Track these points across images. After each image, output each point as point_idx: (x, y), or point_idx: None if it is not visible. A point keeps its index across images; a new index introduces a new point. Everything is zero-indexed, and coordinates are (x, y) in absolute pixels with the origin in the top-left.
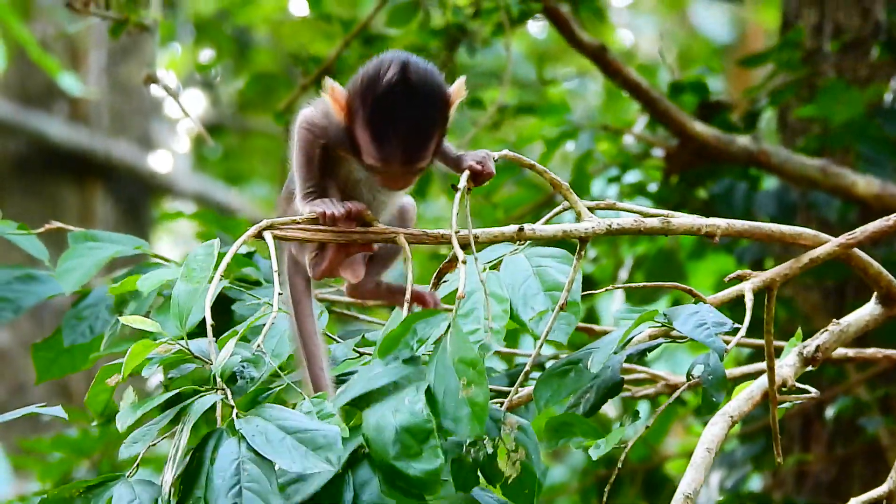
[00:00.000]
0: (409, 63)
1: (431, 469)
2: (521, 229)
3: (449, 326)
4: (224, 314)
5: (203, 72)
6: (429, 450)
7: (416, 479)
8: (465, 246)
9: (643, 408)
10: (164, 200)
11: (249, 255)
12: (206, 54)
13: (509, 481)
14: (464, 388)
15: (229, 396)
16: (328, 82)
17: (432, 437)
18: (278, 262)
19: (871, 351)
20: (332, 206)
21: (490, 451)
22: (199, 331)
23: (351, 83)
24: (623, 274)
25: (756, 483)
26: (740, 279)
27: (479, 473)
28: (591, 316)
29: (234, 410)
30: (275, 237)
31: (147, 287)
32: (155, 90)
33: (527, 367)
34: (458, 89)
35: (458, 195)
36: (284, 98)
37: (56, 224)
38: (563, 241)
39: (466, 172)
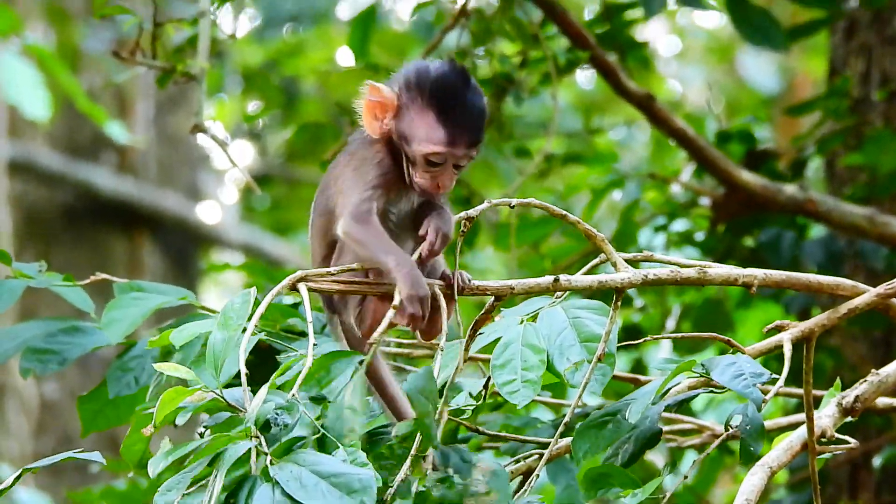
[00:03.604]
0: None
1: None
2: (556, 280)
3: None
4: (269, 366)
5: (250, 122)
6: None
7: None
8: (502, 297)
9: (690, 458)
10: (212, 251)
11: (295, 305)
12: (254, 104)
13: None
14: None
15: (263, 443)
16: (369, 83)
17: None
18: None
19: None
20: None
21: (459, 489)
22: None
23: (396, 82)
24: (670, 323)
25: None
26: (779, 330)
27: None
28: (639, 366)
29: (268, 457)
30: (309, 290)
31: (180, 340)
32: (202, 140)
33: (566, 419)
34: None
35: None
36: (332, 148)
37: (102, 275)
38: (602, 293)
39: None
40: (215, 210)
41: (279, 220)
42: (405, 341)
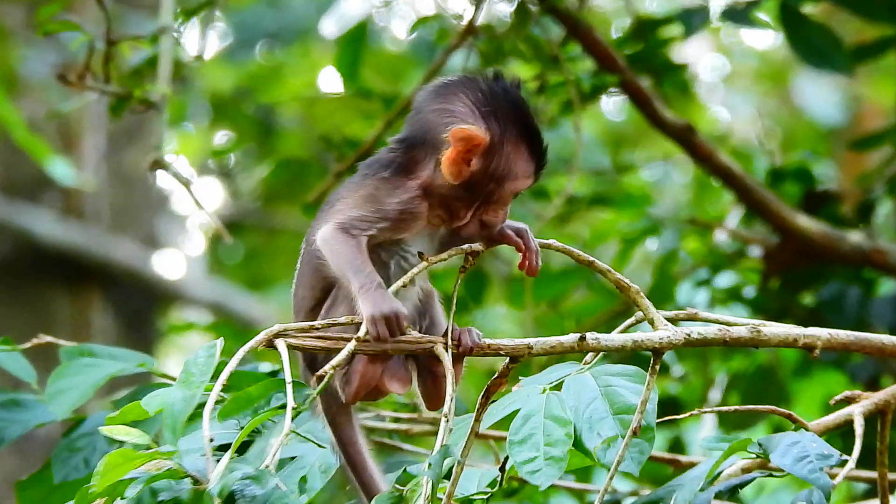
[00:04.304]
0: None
1: None
2: (582, 339)
3: None
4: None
5: (220, 158)
6: None
7: None
8: (518, 358)
9: None
10: (174, 310)
11: (274, 373)
12: (224, 137)
13: None
14: None
15: None
16: (453, 128)
17: None
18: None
19: None
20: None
21: None
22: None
23: (470, 113)
24: (714, 395)
25: None
26: (848, 402)
27: None
28: (677, 445)
29: None
30: (289, 347)
31: (154, 407)
32: (163, 180)
33: None
34: None
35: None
36: (315, 188)
37: (46, 338)
38: (635, 356)
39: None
40: (177, 262)
41: (253, 275)
42: (403, 415)
